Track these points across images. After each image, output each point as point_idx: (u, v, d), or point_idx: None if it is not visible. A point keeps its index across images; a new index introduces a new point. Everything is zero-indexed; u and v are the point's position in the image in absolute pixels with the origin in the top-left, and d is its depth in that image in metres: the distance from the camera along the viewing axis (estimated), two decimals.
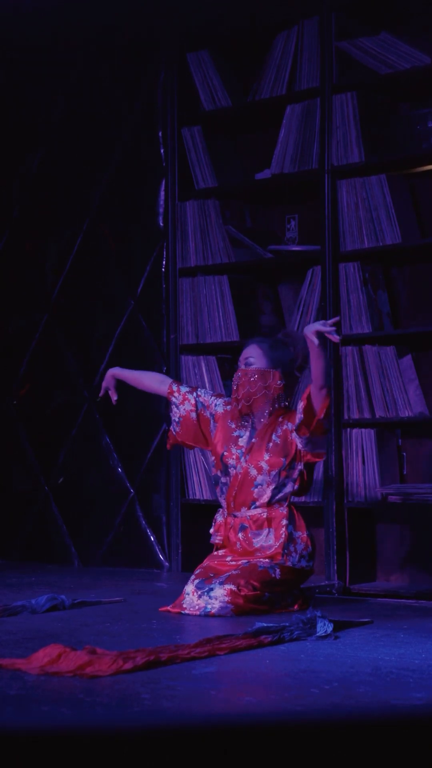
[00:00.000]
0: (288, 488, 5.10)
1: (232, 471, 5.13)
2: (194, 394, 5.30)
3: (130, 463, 6.72)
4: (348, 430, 5.88)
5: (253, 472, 5.08)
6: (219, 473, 5.20)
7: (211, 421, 5.25)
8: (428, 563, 5.87)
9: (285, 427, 5.09)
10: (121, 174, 6.83)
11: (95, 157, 6.93)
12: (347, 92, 5.95)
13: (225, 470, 5.16)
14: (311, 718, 2.38)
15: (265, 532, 5.03)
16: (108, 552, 6.76)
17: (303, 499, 5.99)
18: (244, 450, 5.12)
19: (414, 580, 5.89)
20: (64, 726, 2.30)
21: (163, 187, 6.55)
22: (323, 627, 4.14)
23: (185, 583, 5.02)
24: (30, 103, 7.26)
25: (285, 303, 6.42)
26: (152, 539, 6.54)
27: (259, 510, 5.07)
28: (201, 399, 5.29)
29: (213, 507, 6.38)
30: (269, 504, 5.06)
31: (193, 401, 5.27)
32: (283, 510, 5.06)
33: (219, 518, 5.21)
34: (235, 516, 5.10)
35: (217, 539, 5.17)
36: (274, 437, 5.08)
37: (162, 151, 6.57)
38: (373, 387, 5.85)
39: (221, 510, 5.22)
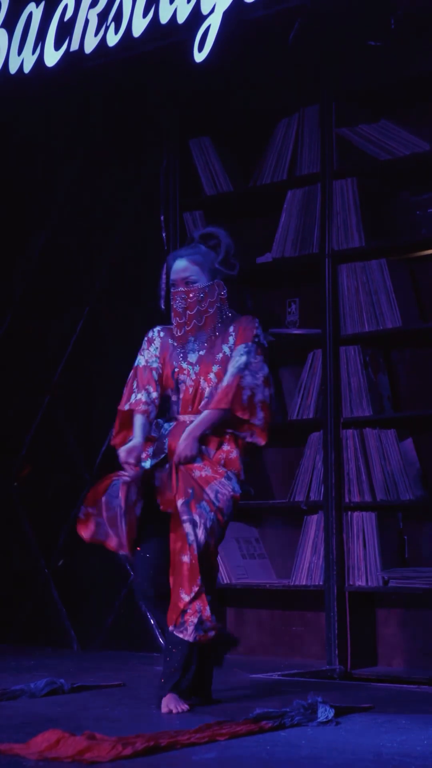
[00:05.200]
0: None
1: (182, 387, 4.80)
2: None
3: None
4: (349, 513, 5.87)
5: (203, 384, 4.76)
6: (170, 391, 4.83)
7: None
8: (430, 648, 5.83)
9: (233, 339, 4.78)
10: (123, 257, 6.89)
11: (98, 240, 6.99)
12: (347, 178, 6.02)
13: (176, 388, 4.82)
14: None
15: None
16: (108, 635, 6.71)
17: (304, 582, 5.96)
18: (194, 363, 4.80)
19: (415, 665, 5.84)
20: None
21: (164, 271, 6.59)
22: (324, 713, 4.10)
23: None
24: (33, 187, 7.34)
25: (286, 386, 6.44)
26: (152, 623, 6.49)
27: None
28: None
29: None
30: None
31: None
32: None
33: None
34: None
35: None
36: (224, 348, 4.78)
37: (164, 234, 6.63)
38: (374, 470, 5.84)
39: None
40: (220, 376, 4.74)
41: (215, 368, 4.77)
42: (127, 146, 6.91)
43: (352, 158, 6.06)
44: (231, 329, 4.81)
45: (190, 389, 4.78)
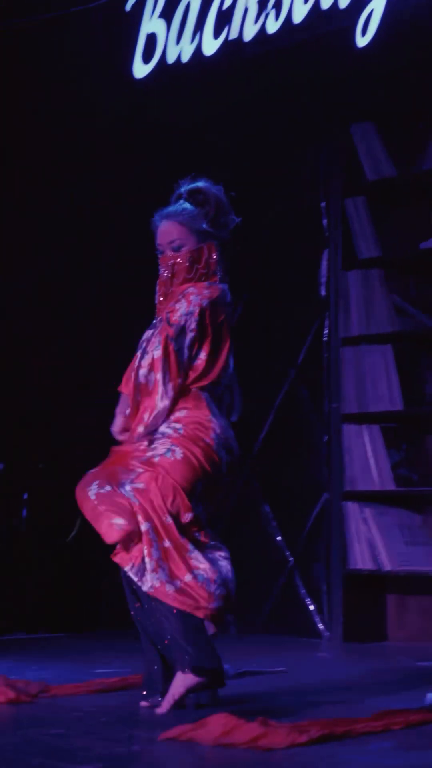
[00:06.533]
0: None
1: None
2: None
3: (289, 532, 6.69)
4: None
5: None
6: None
7: None
8: None
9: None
10: (283, 245, 6.87)
11: (257, 227, 6.99)
12: None
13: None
14: None
15: None
16: (266, 621, 6.73)
17: None
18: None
19: None
20: None
21: (325, 257, 6.57)
22: None
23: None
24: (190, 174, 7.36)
25: None
26: (312, 609, 6.50)
27: None
28: None
29: (376, 578, 6.34)
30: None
31: None
32: None
33: None
34: None
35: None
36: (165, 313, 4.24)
37: (325, 221, 6.60)
38: None
39: None
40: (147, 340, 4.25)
41: (148, 332, 4.28)
42: (286, 132, 6.88)
43: None
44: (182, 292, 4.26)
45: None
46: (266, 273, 6.93)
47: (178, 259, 4.25)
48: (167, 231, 4.27)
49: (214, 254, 4.28)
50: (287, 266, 6.84)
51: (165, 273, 4.28)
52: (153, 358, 4.16)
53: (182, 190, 4.35)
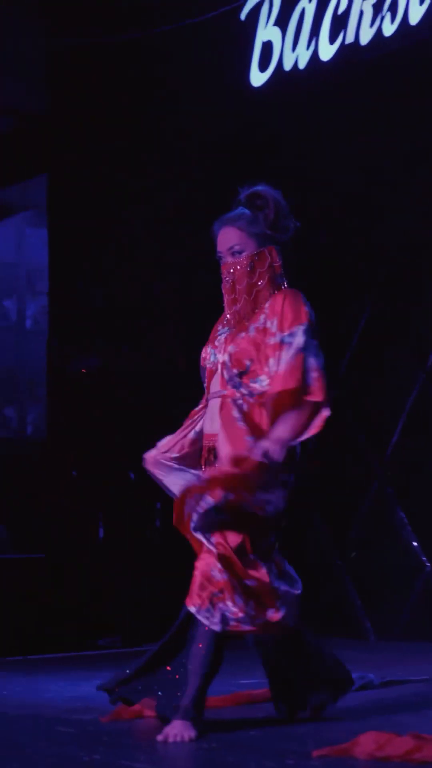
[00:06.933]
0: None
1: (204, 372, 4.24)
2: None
3: (426, 537, 6.64)
4: None
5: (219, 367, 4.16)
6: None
7: None
8: None
9: (267, 324, 4.11)
10: (405, 251, 6.81)
11: (379, 234, 6.94)
12: None
13: (203, 374, 4.26)
14: None
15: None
16: (404, 627, 6.68)
17: None
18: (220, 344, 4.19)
19: None
20: None
21: None
22: None
23: None
24: (311, 188, 7.33)
25: None
26: None
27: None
28: None
29: None
30: None
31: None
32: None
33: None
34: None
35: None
36: (250, 328, 4.14)
37: None
38: None
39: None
40: (234, 358, 4.12)
41: (231, 348, 4.13)
42: (403, 135, 6.82)
43: None
44: (267, 303, 4.15)
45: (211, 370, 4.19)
46: (391, 276, 6.89)
47: (238, 266, 4.15)
48: (226, 237, 4.19)
49: (277, 259, 4.18)
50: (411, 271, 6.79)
51: (227, 280, 4.18)
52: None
53: (241, 196, 4.24)
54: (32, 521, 8.02)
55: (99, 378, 7.77)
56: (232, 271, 4.15)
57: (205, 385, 4.21)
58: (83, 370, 7.81)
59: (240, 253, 4.15)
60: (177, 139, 7.49)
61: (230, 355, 4.11)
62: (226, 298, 4.19)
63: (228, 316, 4.19)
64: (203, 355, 4.22)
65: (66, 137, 7.89)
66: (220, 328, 4.23)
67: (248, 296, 4.14)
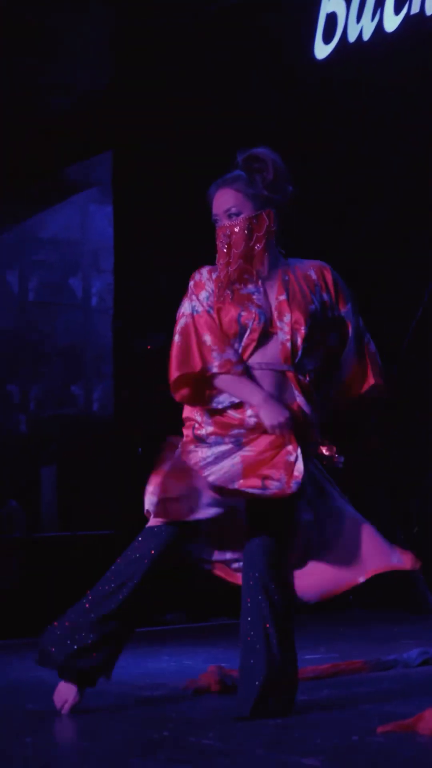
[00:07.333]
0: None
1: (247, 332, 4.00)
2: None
3: None
4: None
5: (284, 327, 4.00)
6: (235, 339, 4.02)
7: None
8: None
9: (324, 296, 4.04)
10: None
11: None
12: None
13: (241, 334, 4.00)
14: None
15: None
16: None
17: None
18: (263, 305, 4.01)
19: None
20: None
21: None
22: None
23: None
24: (369, 160, 7.27)
25: None
26: None
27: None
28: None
29: None
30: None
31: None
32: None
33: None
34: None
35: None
36: (313, 297, 4.02)
37: None
38: None
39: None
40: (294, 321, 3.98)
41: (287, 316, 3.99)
42: None
43: None
44: (312, 273, 4.06)
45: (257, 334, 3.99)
46: None
47: (236, 228, 4.00)
48: (222, 199, 4.05)
49: (274, 222, 4.01)
50: None
51: (224, 242, 4.02)
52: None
53: (238, 158, 4.10)
54: (99, 498, 8.06)
55: (165, 355, 7.76)
56: (228, 233, 4.01)
57: (240, 346, 4.00)
58: (149, 347, 7.81)
59: (237, 215, 4.00)
60: (241, 115, 7.44)
61: (292, 326, 3.97)
62: (219, 261, 4.03)
63: (221, 276, 4.01)
64: (243, 314, 3.96)
65: (130, 114, 7.89)
66: (238, 286, 4.00)
67: (243, 260, 3.98)
